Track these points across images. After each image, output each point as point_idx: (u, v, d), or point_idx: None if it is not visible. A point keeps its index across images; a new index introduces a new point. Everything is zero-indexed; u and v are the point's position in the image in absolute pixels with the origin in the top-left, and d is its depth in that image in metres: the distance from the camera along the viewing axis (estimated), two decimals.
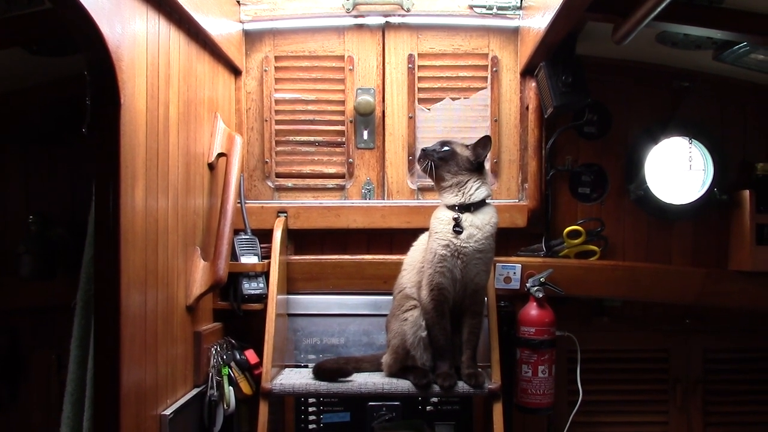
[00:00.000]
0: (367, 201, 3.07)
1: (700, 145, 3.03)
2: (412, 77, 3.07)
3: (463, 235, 2.48)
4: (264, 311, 2.74)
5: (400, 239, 2.90)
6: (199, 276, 2.51)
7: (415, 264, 2.64)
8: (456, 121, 3.07)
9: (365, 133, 3.08)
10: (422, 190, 3.08)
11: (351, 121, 3.08)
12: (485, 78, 3.08)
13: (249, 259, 2.84)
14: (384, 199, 3.08)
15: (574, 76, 2.67)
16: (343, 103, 3.09)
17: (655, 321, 3.09)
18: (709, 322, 3.07)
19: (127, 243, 1.92)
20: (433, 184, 2.63)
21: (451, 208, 2.53)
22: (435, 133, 3.04)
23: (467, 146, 2.58)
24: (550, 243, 3.01)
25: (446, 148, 2.56)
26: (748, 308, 2.97)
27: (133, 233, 1.96)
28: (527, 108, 3.03)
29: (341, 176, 3.11)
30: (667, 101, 3.04)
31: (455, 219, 2.50)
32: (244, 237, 2.88)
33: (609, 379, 3.08)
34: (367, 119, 3.07)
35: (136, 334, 1.99)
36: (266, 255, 2.88)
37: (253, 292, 2.81)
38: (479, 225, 2.49)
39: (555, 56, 2.70)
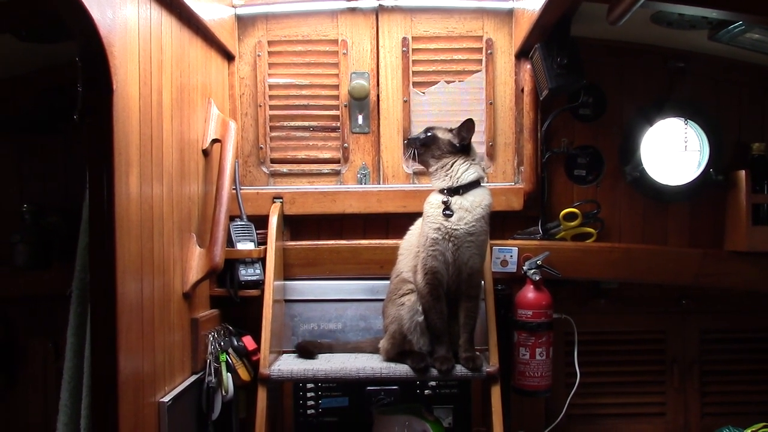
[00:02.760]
0: (363, 186, 3.06)
1: (696, 125, 3.03)
2: (407, 61, 3.06)
3: (453, 218, 2.48)
4: (261, 297, 2.74)
5: (396, 224, 2.90)
6: (195, 263, 2.50)
7: (411, 248, 2.64)
8: (451, 105, 3.06)
9: (360, 118, 3.07)
10: (418, 174, 3.07)
11: (345, 106, 3.06)
12: (480, 61, 3.06)
13: (245, 246, 2.83)
14: (379, 184, 3.07)
15: (569, 57, 2.65)
16: (337, 87, 3.07)
17: (651, 302, 3.09)
18: (706, 303, 3.07)
19: (122, 230, 1.91)
20: None
21: (441, 191, 2.54)
22: (430, 116, 3.04)
23: (450, 130, 2.59)
24: (547, 226, 3.01)
25: (428, 134, 2.58)
26: (744, 288, 2.97)
27: (128, 220, 1.95)
28: (522, 90, 3.01)
29: (336, 161, 3.09)
30: (663, 82, 3.03)
31: (444, 202, 2.50)
32: (239, 223, 2.87)
33: (606, 361, 3.09)
34: (362, 103, 3.05)
35: (132, 321, 1.98)
36: (262, 241, 2.88)
37: (249, 278, 2.81)
38: (469, 207, 2.49)
39: (550, 38, 2.68)
